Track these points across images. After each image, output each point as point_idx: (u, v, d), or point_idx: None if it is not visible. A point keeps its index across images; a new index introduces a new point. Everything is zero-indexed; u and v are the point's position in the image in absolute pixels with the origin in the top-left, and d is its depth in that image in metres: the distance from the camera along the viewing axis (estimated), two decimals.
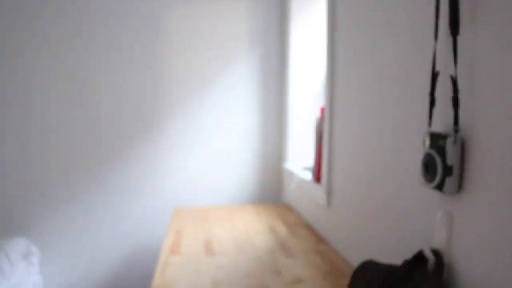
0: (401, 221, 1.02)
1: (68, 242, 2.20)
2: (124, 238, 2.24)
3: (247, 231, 1.67)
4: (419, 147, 0.94)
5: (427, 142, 0.84)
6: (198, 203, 2.29)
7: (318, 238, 1.58)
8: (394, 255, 1.06)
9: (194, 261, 1.34)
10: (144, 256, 2.26)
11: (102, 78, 2.16)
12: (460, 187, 0.79)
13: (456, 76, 0.77)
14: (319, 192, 1.61)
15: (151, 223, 2.25)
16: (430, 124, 0.85)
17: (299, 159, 2.14)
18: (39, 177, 2.15)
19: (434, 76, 0.84)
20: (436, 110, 0.87)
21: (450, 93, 0.82)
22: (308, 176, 1.85)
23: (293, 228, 1.72)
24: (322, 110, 1.66)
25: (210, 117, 2.25)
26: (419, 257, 0.88)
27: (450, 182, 0.78)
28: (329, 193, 1.53)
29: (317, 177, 1.68)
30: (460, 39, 0.79)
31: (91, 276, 2.23)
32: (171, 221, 1.81)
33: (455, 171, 0.78)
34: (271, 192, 2.35)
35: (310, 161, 2.16)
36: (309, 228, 1.71)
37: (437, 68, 0.86)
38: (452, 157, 0.78)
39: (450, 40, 0.82)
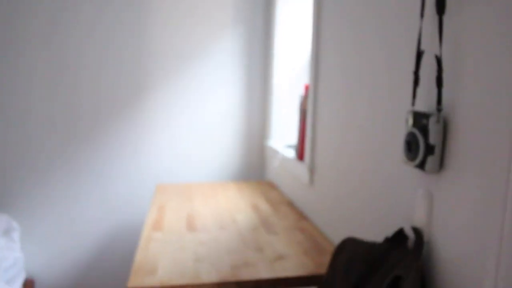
0: (382, 199, 1.03)
1: (50, 218, 2.18)
2: (107, 214, 2.23)
3: (230, 208, 1.67)
4: (402, 125, 0.94)
5: (410, 121, 0.85)
6: (181, 179, 2.28)
7: (300, 215, 1.60)
8: (375, 233, 1.07)
9: (177, 237, 1.34)
10: (127, 233, 2.26)
11: (82, 55, 2.10)
12: (441, 166, 0.80)
13: (441, 56, 0.77)
14: (302, 170, 1.62)
15: (134, 199, 2.24)
16: (413, 103, 0.85)
17: (283, 136, 2.14)
18: (20, 152, 2.11)
19: (419, 55, 0.83)
20: (420, 89, 0.87)
21: (434, 73, 0.82)
22: (291, 154, 1.86)
23: (275, 205, 1.73)
24: (306, 88, 1.65)
25: (194, 94, 2.23)
26: (399, 234, 0.90)
27: (431, 161, 0.79)
28: (312, 171, 1.54)
29: (300, 155, 1.69)
30: (446, 19, 0.79)
31: (73, 252, 2.22)
32: (154, 197, 1.80)
33: (437, 150, 0.79)
34: (254, 169, 2.36)
35: (294, 139, 2.17)
36: (292, 206, 1.72)
37: (422, 47, 0.86)
38: (434, 136, 0.78)
39: (436, 19, 0.81)
